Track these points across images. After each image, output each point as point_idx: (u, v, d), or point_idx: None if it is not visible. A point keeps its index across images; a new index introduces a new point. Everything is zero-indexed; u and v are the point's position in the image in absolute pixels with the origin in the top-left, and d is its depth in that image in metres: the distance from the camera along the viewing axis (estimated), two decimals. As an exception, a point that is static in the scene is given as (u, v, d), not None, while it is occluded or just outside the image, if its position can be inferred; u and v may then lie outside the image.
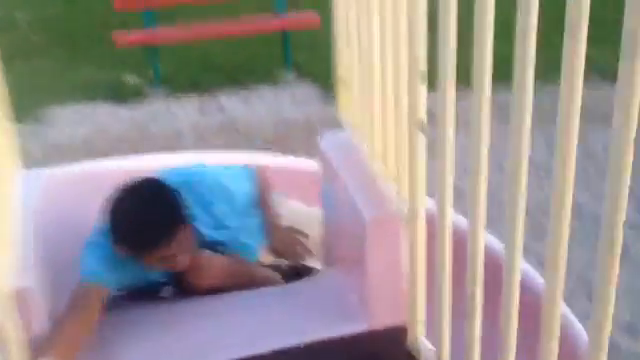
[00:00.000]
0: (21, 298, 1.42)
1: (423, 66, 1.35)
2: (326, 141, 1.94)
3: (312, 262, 2.11)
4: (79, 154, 4.28)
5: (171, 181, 1.80)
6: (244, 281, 1.95)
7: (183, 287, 1.91)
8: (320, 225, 2.05)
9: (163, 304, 1.91)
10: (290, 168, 2.41)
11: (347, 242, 1.81)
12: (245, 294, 1.89)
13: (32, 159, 4.15)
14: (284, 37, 5.47)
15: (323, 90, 5.09)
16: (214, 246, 1.94)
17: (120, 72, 5.42)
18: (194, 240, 1.80)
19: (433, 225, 1.40)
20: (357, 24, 1.64)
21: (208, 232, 1.91)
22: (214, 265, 1.89)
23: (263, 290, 1.93)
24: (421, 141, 1.41)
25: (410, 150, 1.43)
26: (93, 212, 1.70)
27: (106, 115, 4.86)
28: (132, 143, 4.43)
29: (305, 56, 5.58)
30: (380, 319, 1.65)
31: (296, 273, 2.07)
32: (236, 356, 1.60)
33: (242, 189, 2.02)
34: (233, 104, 4.99)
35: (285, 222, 2.12)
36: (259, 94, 5.13)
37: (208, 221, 1.91)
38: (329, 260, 2.02)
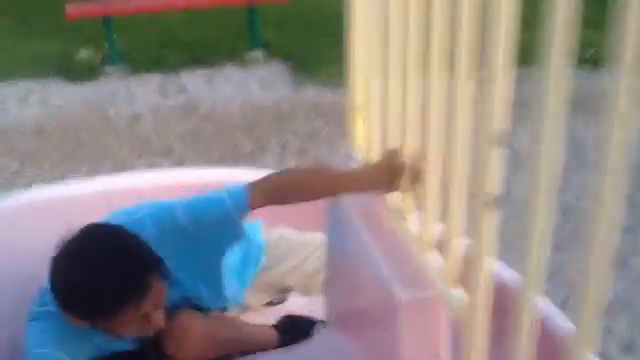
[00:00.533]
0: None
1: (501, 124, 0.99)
2: None
3: (310, 299, 1.80)
4: (28, 140, 3.93)
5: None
6: (233, 348, 1.63)
7: (160, 358, 1.59)
8: (321, 259, 1.76)
9: None
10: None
11: (366, 314, 1.48)
12: None
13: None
14: (251, 12, 5.12)
15: (293, 71, 4.80)
16: (188, 300, 1.62)
17: (73, 46, 5.02)
18: (165, 292, 1.44)
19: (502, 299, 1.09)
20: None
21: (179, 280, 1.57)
22: (195, 330, 1.57)
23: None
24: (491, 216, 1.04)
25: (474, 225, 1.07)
26: (38, 258, 1.37)
27: (58, 94, 4.48)
28: (86, 127, 4.08)
29: (274, 33, 5.25)
30: None
31: (290, 324, 1.77)
32: None
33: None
34: (196, 85, 4.66)
35: (277, 251, 1.82)
36: (224, 74, 4.80)
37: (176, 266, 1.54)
38: (333, 315, 1.69)
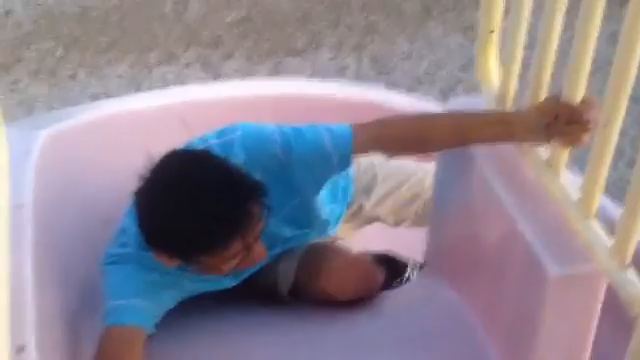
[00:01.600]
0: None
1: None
2: (456, 110, 1.34)
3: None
4: (71, 23, 3.75)
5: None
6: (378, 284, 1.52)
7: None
8: (416, 186, 1.61)
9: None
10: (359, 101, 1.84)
11: (496, 278, 1.30)
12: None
13: (17, 25, 3.65)
14: None
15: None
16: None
17: None
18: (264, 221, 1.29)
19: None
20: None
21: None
22: (357, 266, 1.47)
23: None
24: None
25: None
26: (113, 187, 1.23)
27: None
28: (131, 12, 3.87)
29: None
30: None
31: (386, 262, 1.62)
32: None
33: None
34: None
35: (366, 177, 1.65)
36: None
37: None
38: (439, 266, 1.51)
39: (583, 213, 1.05)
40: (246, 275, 1.46)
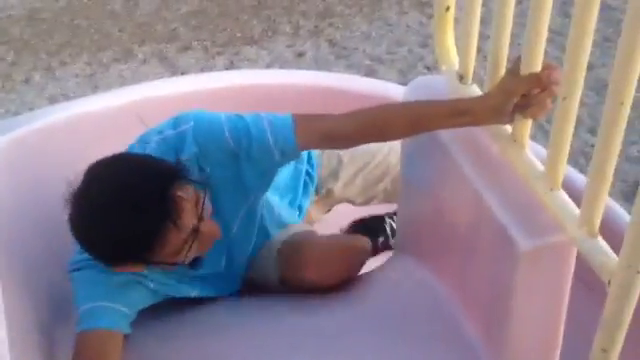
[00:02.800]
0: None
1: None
2: (418, 96, 1.29)
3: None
4: (21, 26, 3.66)
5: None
6: (361, 264, 1.49)
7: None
8: (382, 164, 1.61)
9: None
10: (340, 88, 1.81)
11: (465, 253, 1.30)
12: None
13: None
14: None
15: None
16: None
17: None
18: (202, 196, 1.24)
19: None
20: None
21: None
22: (332, 251, 1.43)
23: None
24: None
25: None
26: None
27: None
28: (81, 11, 3.79)
29: None
30: None
31: (363, 227, 1.63)
32: None
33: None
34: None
35: (332, 162, 1.64)
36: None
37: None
38: (410, 243, 1.50)
39: (549, 185, 1.06)
40: (208, 292, 1.46)
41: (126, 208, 1.15)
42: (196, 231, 1.22)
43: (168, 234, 1.18)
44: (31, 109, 3.08)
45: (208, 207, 1.26)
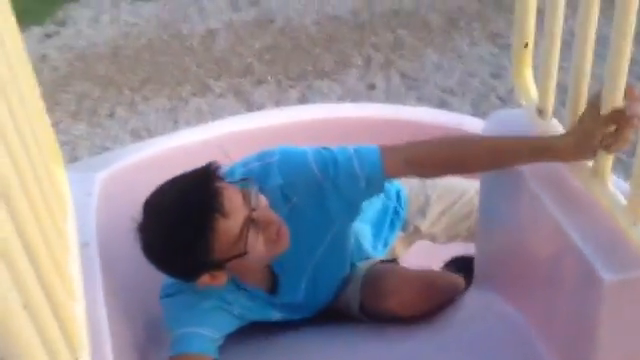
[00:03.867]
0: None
1: None
2: (497, 130, 1.32)
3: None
4: (104, 62, 3.85)
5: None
6: (445, 297, 1.50)
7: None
8: (468, 204, 1.64)
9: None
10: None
11: (546, 285, 1.30)
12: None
13: (53, 69, 3.77)
14: None
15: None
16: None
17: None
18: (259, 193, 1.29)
19: None
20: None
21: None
22: (412, 282, 1.46)
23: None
24: None
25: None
26: None
27: (128, 13, 4.35)
28: (162, 48, 3.97)
29: None
30: None
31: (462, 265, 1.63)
32: None
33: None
34: (267, -6, 4.45)
35: (420, 199, 1.67)
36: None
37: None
38: (490, 277, 1.51)
39: (632, 218, 1.06)
40: (291, 315, 1.50)
41: (175, 218, 1.23)
42: (252, 220, 1.26)
43: (219, 225, 1.23)
44: (115, 142, 3.24)
45: (260, 198, 1.30)
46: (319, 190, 1.35)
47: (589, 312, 1.13)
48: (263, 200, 1.31)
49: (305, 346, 1.45)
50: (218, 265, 1.28)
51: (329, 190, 1.35)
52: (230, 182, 1.30)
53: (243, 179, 1.31)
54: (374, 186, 1.34)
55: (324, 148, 1.37)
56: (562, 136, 1.22)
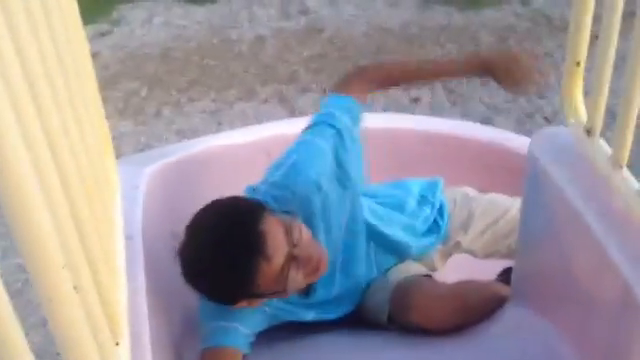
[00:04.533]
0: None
1: None
2: (543, 148, 1.34)
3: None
4: (154, 63, 3.93)
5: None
6: (480, 311, 1.50)
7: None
8: (511, 222, 1.64)
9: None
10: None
11: (584, 306, 1.29)
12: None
13: (104, 67, 3.86)
14: None
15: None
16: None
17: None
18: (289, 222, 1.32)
19: None
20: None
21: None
22: (443, 297, 1.48)
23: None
24: None
25: None
26: None
27: (181, 16, 4.43)
28: (210, 52, 4.03)
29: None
30: None
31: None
32: None
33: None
34: (318, 4, 4.49)
35: (463, 213, 1.69)
36: (347, -8, 4.60)
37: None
38: (527, 296, 1.50)
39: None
40: (325, 315, 1.52)
41: (220, 256, 1.25)
42: (293, 257, 1.29)
43: (262, 268, 1.26)
44: (159, 141, 3.30)
45: (303, 231, 1.32)
46: (331, 165, 1.44)
47: (627, 334, 1.11)
48: (305, 232, 1.34)
49: (329, 349, 1.46)
50: (254, 297, 1.33)
51: (342, 157, 1.45)
52: (273, 211, 1.31)
53: (286, 211, 1.33)
54: (355, 114, 1.51)
55: (312, 126, 1.49)
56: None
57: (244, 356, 1.39)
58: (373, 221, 1.55)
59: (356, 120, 1.51)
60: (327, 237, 1.44)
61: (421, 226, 1.63)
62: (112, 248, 1.04)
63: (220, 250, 1.25)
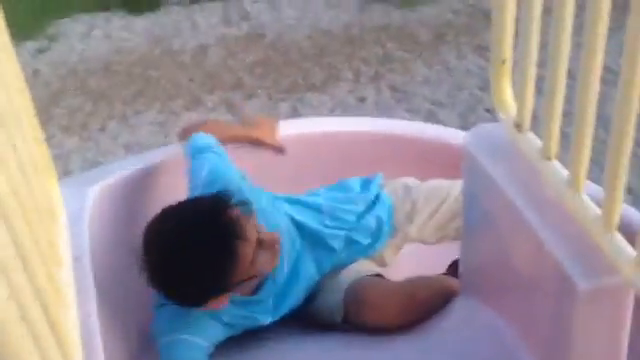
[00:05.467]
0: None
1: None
2: (477, 142, 1.40)
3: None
4: (96, 78, 3.89)
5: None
6: (432, 306, 1.55)
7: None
8: (453, 205, 1.68)
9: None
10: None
11: (526, 294, 1.34)
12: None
13: (45, 84, 3.80)
14: None
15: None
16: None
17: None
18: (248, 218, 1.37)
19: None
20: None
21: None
22: (395, 295, 1.52)
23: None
24: None
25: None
26: None
27: (121, 28, 4.39)
28: (153, 63, 4.01)
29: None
30: None
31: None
32: None
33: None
34: (259, 9, 4.50)
35: (406, 206, 1.73)
36: (287, -4, 4.63)
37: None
38: (473, 286, 1.55)
39: (605, 228, 1.10)
40: (283, 313, 1.54)
41: (193, 251, 1.27)
42: (259, 242, 1.35)
43: (240, 249, 1.30)
44: (106, 156, 3.27)
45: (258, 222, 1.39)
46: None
47: (565, 319, 1.16)
48: (261, 224, 1.39)
49: (287, 354, 1.48)
50: (228, 289, 1.34)
51: None
52: (232, 205, 1.35)
53: (242, 202, 1.36)
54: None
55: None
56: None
57: None
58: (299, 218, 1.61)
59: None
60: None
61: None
62: (59, 272, 1.04)
63: (193, 245, 1.27)
